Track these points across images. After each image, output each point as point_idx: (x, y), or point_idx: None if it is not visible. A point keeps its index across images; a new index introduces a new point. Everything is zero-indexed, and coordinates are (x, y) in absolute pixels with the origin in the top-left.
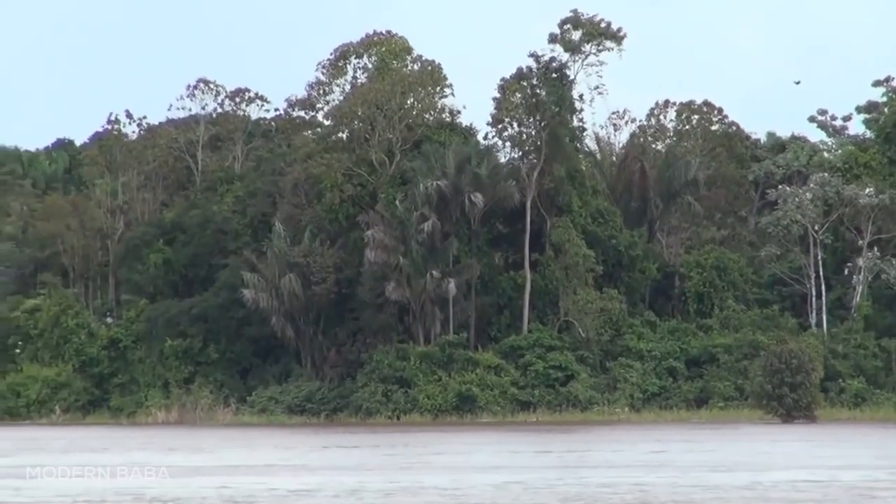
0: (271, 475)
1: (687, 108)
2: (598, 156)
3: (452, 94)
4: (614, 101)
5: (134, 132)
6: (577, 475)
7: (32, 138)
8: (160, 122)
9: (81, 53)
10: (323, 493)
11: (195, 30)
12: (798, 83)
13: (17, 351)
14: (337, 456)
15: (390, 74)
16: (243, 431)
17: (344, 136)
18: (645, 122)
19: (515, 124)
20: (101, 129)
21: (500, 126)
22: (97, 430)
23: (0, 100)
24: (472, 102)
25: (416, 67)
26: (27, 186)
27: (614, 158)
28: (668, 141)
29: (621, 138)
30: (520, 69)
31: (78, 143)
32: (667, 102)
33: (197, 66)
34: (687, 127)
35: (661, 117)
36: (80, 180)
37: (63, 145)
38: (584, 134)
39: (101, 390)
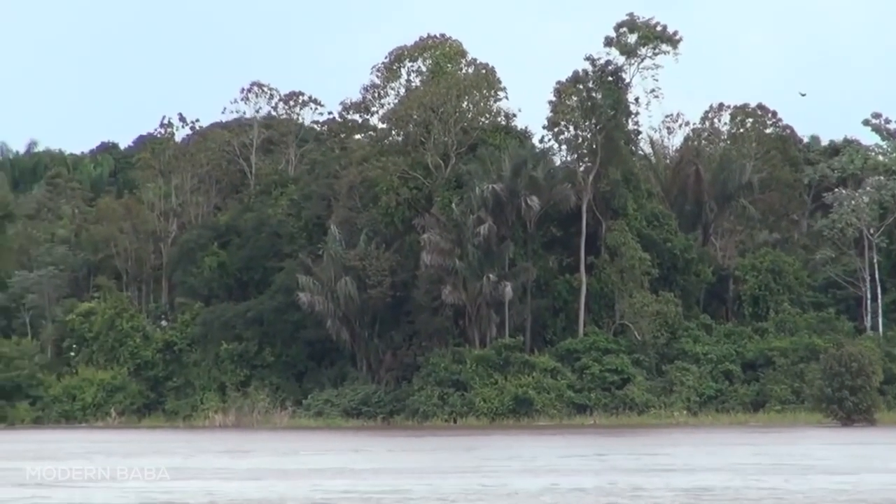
0: (360, 478)
1: (741, 112)
2: (653, 159)
3: (506, 97)
4: (668, 103)
5: (184, 136)
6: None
7: (77, 142)
8: (209, 124)
9: (126, 57)
10: (413, 493)
11: (248, 33)
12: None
13: (72, 354)
14: (422, 458)
15: (445, 78)
16: (312, 434)
17: (399, 139)
18: (699, 126)
19: (571, 127)
20: (145, 133)
21: (556, 129)
22: (158, 433)
23: (45, 104)
24: (526, 105)
25: (469, 71)
26: (78, 190)
27: (668, 161)
28: (721, 144)
29: (675, 141)
30: (576, 72)
31: (122, 146)
32: (721, 106)
33: (251, 69)
34: (741, 130)
35: (716, 121)
36: (126, 183)
37: (107, 149)
38: (639, 137)
39: (157, 393)
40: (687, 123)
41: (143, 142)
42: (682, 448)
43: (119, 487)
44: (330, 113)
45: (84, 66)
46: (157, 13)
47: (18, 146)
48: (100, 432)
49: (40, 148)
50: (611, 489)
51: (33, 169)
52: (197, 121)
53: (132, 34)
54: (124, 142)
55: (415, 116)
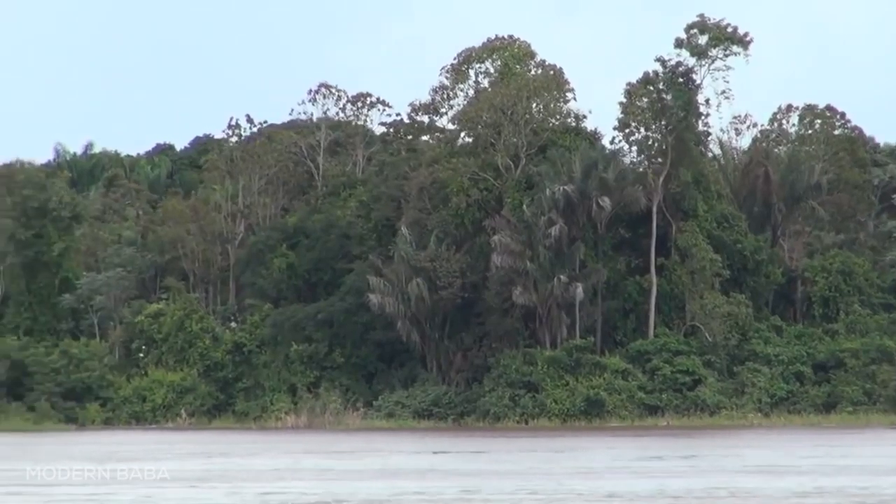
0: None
1: (810, 113)
2: (722, 160)
3: (574, 98)
4: (735, 104)
5: (246, 136)
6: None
7: (133, 143)
8: (274, 125)
9: (182, 58)
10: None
11: (315, 35)
12: None
13: (141, 355)
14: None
15: (515, 79)
16: (396, 435)
17: (468, 140)
18: (767, 127)
19: (642, 129)
20: (202, 135)
21: (626, 131)
22: (240, 434)
23: (101, 105)
24: (595, 107)
25: (538, 72)
26: (143, 191)
27: (736, 162)
28: (789, 145)
29: (742, 142)
30: (646, 74)
31: (178, 147)
32: (789, 107)
33: (318, 71)
34: (810, 131)
35: (784, 122)
36: (183, 184)
37: (163, 150)
38: (709, 138)
39: (226, 395)
40: (755, 125)
41: (200, 143)
42: (782, 449)
43: (237, 488)
44: (398, 114)
45: (140, 67)
46: (212, 14)
47: (76, 147)
48: (175, 433)
49: (97, 149)
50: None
51: (91, 170)
52: (265, 122)
53: (189, 35)
54: (180, 143)
55: (485, 118)
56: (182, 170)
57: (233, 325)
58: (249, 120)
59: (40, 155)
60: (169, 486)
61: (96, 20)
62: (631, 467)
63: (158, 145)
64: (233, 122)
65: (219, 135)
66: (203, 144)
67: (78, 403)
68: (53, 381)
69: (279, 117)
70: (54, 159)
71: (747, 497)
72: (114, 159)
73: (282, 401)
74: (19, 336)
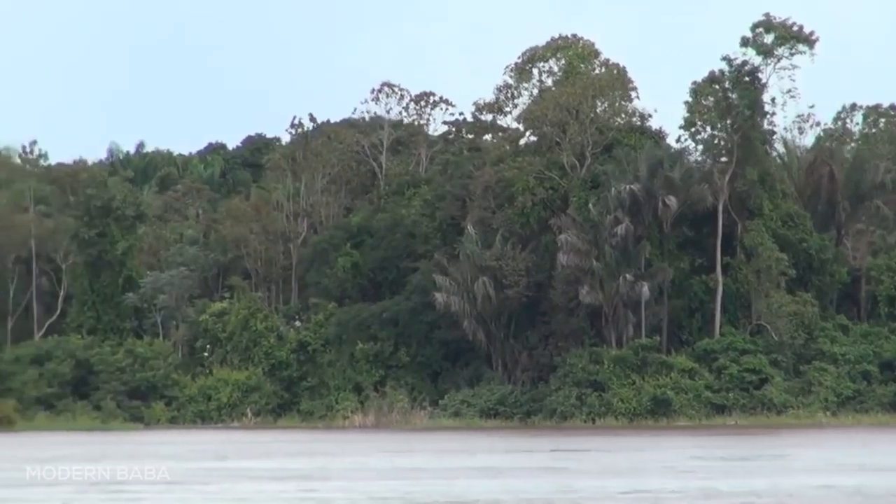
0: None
1: (874, 112)
2: (786, 158)
3: (637, 97)
4: (799, 103)
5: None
6: None
7: (184, 142)
8: (335, 122)
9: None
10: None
11: (376, 33)
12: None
13: (205, 354)
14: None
15: (580, 78)
16: (472, 434)
17: (533, 139)
18: (831, 126)
19: (708, 128)
20: (253, 134)
21: (692, 129)
22: (316, 433)
23: (153, 105)
24: (658, 105)
25: (602, 71)
26: (204, 190)
27: (800, 161)
28: (853, 144)
29: (805, 141)
30: (712, 72)
31: (230, 146)
32: (853, 106)
33: (381, 70)
34: (874, 130)
35: (848, 121)
36: (236, 183)
37: (215, 149)
38: (773, 137)
39: (291, 394)
40: (818, 123)
41: (252, 142)
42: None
43: (350, 487)
44: (461, 113)
45: (190, 66)
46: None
47: (129, 147)
48: (241, 433)
49: (149, 148)
50: None
51: (144, 169)
52: (327, 121)
53: (239, 34)
54: (232, 142)
55: (550, 116)
56: (235, 169)
57: (297, 323)
58: (312, 119)
59: (93, 154)
60: (289, 483)
61: (148, 20)
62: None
63: (210, 144)
64: (295, 122)
65: (278, 133)
66: (255, 143)
67: (143, 402)
68: (119, 380)
69: (336, 116)
70: (108, 159)
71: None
72: (166, 158)
73: (347, 400)
74: (83, 335)
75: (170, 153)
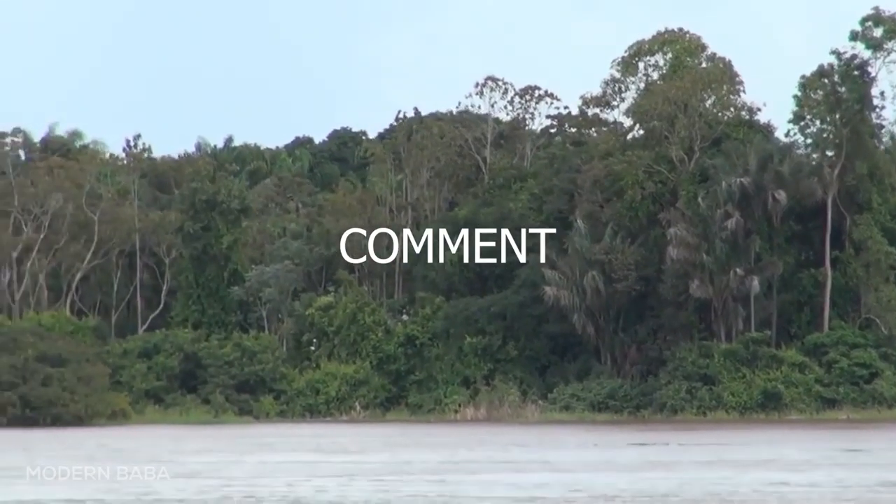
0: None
1: None
2: (894, 152)
3: (743, 91)
4: None
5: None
6: None
7: (271, 136)
8: (436, 116)
9: (321, 51)
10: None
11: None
12: None
13: (312, 348)
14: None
15: (689, 72)
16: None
17: (639, 133)
18: None
19: (817, 121)
20: (339, 128)
21: (801, 123)
22: (429, 427)
23: (241, 100)
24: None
25: (708, 65)
26: (306, 184)
27: None
28: None
29: None
30: (821, 66)
31: (317, 140)
32: None
33: (486, 64)
34: None
35: None
36: (323, 178)
37: (302, 143)
38: (882, 131)
39: (398, 387)
40: None
41: (338, 136)
42: None
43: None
44: (566, 107)
45: (276, 60)
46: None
47: (217, 141)
48: (350, 427)
49: (237, 142)
50: None
51: (232, 163)
52: (433, 114)
53: (326, 28)
54: (319, 136)
55: (658, 110)
56: (322, 163)
57: (404, 317)
58: (417, 113)
59: (180, 148)
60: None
61: (238, 14)
62: None
63: (297, 138)
64: (400, 115)
65: (364, 127)
66: (341, 137)
67: (251, 396)
68: (227, 373)
69: (431, 109)
70: (196, 153)
71: None
72: (254, 153)
73: (455, 393)
74: (188, 329)
75: (257, 147)
